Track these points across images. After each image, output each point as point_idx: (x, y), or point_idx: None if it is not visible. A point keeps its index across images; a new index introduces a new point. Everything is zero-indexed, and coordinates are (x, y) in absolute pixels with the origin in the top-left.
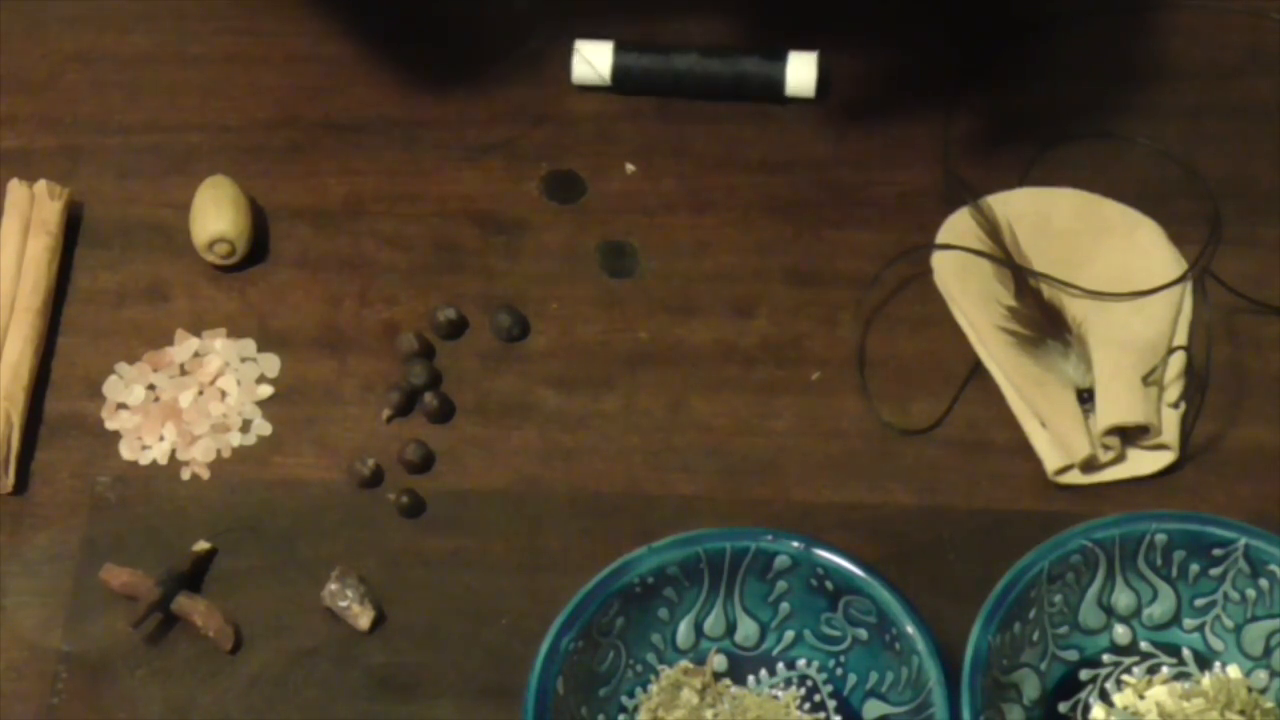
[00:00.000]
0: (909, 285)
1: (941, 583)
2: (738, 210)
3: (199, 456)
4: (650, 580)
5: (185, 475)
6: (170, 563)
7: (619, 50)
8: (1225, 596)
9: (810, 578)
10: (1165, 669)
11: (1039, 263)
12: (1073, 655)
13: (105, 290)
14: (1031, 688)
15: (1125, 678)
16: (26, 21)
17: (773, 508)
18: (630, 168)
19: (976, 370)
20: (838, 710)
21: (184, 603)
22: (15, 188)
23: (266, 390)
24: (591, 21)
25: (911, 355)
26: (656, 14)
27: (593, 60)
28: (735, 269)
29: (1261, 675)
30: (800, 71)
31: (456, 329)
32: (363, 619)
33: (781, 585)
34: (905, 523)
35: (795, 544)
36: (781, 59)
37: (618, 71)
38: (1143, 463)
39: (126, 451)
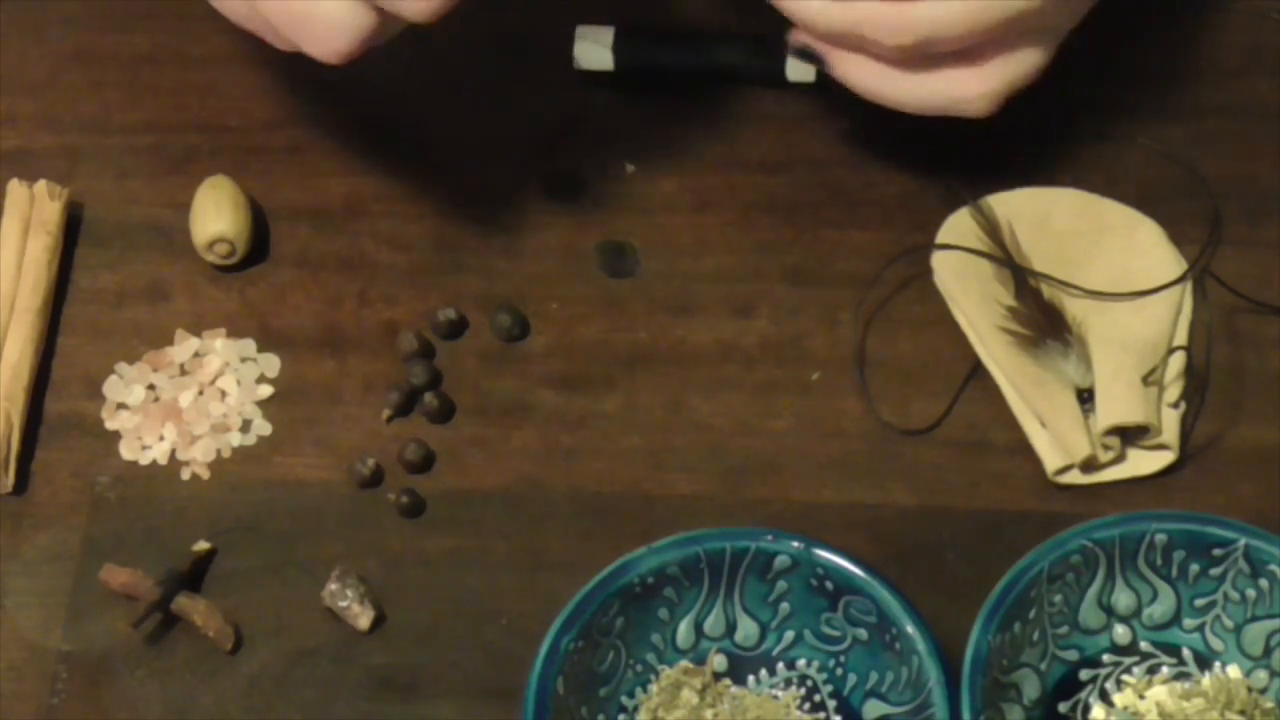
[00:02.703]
0: (909, 285)
1: (941, 583)
2: (738, 210)
3: (199, 456)
4: (650, 580)
5: (185, 475)
6: (170, 563)
7: (620, 35)
8: (1225, 596)
9: (810, 578)
10: (1165, 669)
11: (1039, 263)
12: (1073, 655)
13: (105, 290)
14: (1031, 688)
15: (1125, 678)
16: (26, 21)
17: (773, 508)
18: (630, 168)
19: (976, 370)
20: (838, 710)
21: (184, 603)
22: (15, 188)
23: (266, 390)
24: (593, 10)
25: (911, 355)
26: (659, 2)
27: (595, 45)
28: (735, 269)
29: (1261, 675)
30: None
31: (456, 329)
32: (363, 619)
33: (781, 585)
34: (905, 523)
35: (795, 544)
36: (782, 44)
37: (620, 56)
38: (1143, 463)
39: (126, 451)
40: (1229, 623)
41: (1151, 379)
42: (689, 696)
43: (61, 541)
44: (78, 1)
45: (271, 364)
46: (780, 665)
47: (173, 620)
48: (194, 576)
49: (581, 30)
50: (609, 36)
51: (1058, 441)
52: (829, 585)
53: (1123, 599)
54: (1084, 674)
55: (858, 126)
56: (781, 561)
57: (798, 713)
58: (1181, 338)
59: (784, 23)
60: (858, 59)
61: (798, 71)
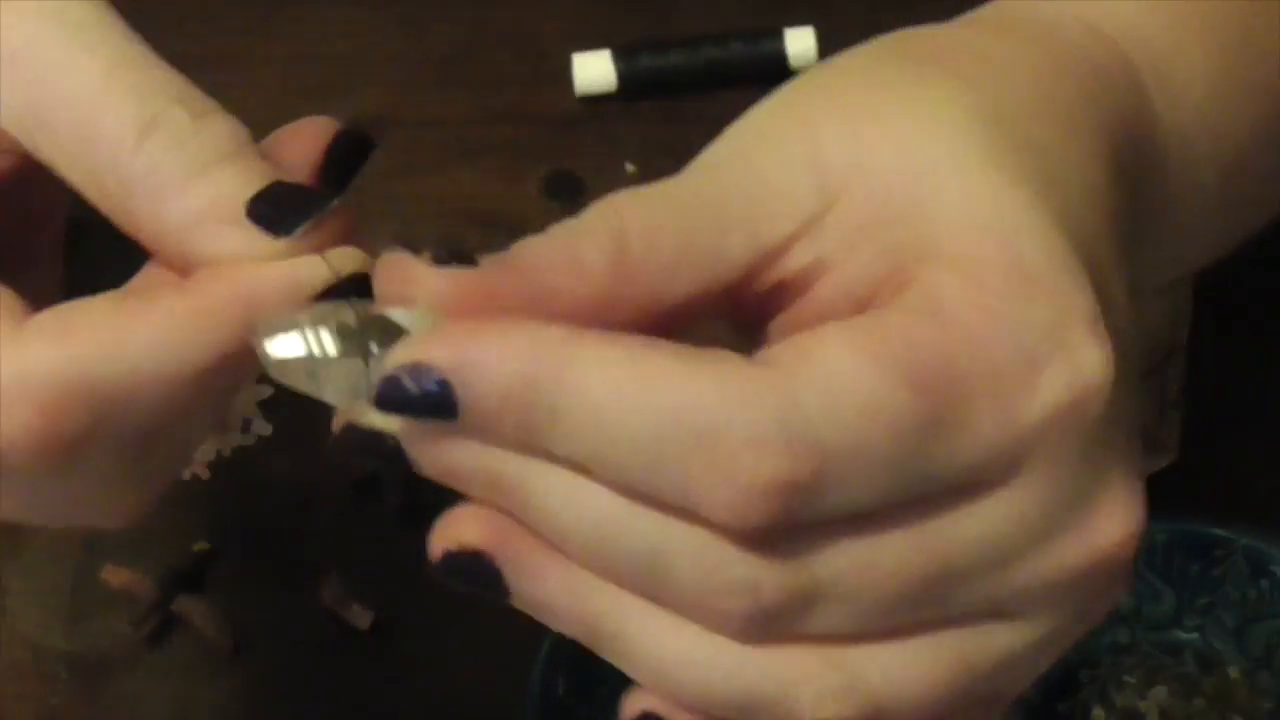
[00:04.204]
0: None
1: None
2: None
3: (198, 456)
4: None
5: (185, 475)
6: (170, 563)
7: (617, 56)
8: (1225, 597)
9: None
10: (1165, 669)
11: None
12: (1072, 655)
13: (105, 290)
14: (1031, 688)
15: (1125, 678)
16: None
17: None
18: (630, 168)
19: None
20: None
21: (184, 603)
22: None
23: (266, 390)
24: (590, 16)
25: None
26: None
27: (594, 71)
28: None
29: (1262, 676)
30: (800, 43)
31: None
32: (363, 619)
33: None
34: None
35: None
36: (779, 35)
37: (621, 77)
38: (1142, 463)
39: None
40: (1229, 623)
41: (1151, 379)
42: None
43: (61, 541)
44: None
45: None
46: None
47: (173, 620)
48: (194, 576)
49: (579, 59)
50: (607, 61)
51: None
52: None
53: (1122, 599)
54: (1084, 674)
55: None
56: None
57: None
58: (1181, 338)
59: (781, 20)
60: None
61: (799, 57)
